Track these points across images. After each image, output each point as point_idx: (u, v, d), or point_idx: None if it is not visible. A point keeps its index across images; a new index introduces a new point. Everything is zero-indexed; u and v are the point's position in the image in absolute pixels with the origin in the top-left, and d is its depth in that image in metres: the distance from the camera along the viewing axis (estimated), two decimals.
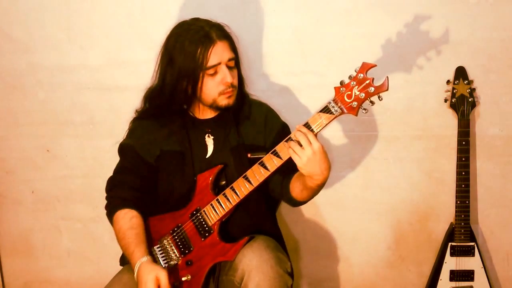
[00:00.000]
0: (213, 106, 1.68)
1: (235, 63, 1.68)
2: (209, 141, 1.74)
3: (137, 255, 1.58)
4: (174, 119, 1.71)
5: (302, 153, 1.44)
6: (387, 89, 1.44)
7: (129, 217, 1.66)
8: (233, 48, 1.67)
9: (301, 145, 1.45)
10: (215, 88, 1.64)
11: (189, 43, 1.59)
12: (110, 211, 1.71)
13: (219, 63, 1.61)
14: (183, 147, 1.71)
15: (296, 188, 1.63)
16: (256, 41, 2.05)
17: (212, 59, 1.59)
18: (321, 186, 1.56)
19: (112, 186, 1.76)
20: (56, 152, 2.26)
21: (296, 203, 1.68)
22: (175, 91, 1.65)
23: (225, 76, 1.62)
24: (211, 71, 1.61)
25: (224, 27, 1.67)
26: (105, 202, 1.76)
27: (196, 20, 1.67)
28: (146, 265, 1.54)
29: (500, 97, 2.01)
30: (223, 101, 1.66)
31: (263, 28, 2.04)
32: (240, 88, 1.74)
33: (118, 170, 1.77)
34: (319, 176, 1.48)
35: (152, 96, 1.73)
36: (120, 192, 1.72)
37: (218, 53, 1.60)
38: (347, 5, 2.00)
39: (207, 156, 1.73)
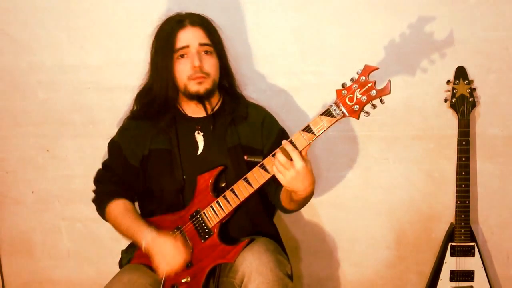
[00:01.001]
0: (186, 93, 1.68)
1: (215, 53, 1.69)
2: (199, 138, 1.74)
3: (144, 228, 1.64)
4: (164, 117, 1.73)
5: (285, 172, 1.45)
6: (389, 93, 1.43)
7: (121, 204, 1.74)
8: (210, 36, 1.67)
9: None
10: (184, 72, 1.65)
11: (164, 28, 1.67)
12: (100, 205, 1.79)
13: (187, 46, 1.63)
14: (171, 145, 1.72)
15: (285, 199, 1.66)
16: (256, 41, 2.05)
17: (180, 42, 1.63)
18: (307, 199, 1.59)
19: (98, 181, 1.83)
20: (56, 152, 2.26)
21: (287, 212, 1.73)
22: (158, 79, 1.69)
23: (192, 59, 1.63)
24: (180, 53, 1.64)
25: (204, 17, 1.70)
26: None
27: (179, 12, 1.73)
28: (159, 236, 1.60)
29: (500, 97, 2.01)
30: (193, 87, 1.66)
31: (263, 28, 2.04)
32: (231, 85, 1.78)
33: (104, 166, 1.83)
34: (302, 192, 1.50)
35: (143, 94, 1.77)
36: (106, 187, 1.79)
37: (187, 37, 1.63)
38: (347, 5, 1.99)
39: (198, 154, 1.73)
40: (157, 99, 1.70)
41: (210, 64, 1.67)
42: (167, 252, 1.58)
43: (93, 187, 1.86)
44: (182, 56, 1.64)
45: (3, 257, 2.42)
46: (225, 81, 1.79)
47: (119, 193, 1.77)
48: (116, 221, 1.73)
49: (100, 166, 1.86)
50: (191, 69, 1.64)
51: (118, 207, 1.74)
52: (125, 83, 2.11)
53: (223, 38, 1.73)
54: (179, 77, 1.66)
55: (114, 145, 1.80)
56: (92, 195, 1.85)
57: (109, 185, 1.79)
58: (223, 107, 1.75)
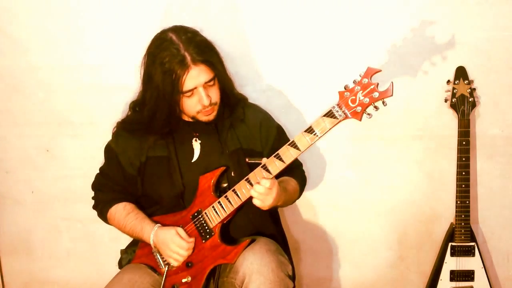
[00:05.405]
0: (194, 119, 1.69)
1: (217, 78, 1.65)
2: (196, 145, 1.74)
3: (147, 227, 1.69)
4: (164, 129, 1.70)
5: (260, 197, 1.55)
6: (392, 95, 1.43)
7: (121, 208, 1.77)
8: (212, 67, 1.61)
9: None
10: (193, 107, 1.64)
11: (166, 67, 1.57)
12: (101, 212, 1.83)
13: (195, 88, 1.60)
14: (169, 152, 1.71)
15: None
16: (257, 41, 2.05)
17: (188, 84, 1.58)
18: (284, 205, 1.72)
19: (97, 189, 1.85)
20: (56, 152, 2.26)
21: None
22: (156, 112, 1.65)
23: (201, 99, 1.61)
24: (187, 94, 1.61)
25: (202, 45, 1.61)
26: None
27: (173, 37, 1.60)
28: (161, 229, 1.66)
29: (500, 97, 2.01)
30: (203, 118, 1.67)
31: (264, 28, 2.04)
32: (231, 92, 1.74)
33: (102, 172, 1.85)
34: (275, 204, 1.59)
35: (137, 111, 1.76)
36: (105, 195, 1.82)
37: (193, 78, 1.58)
38: (347, 5, 1.99)
39: (192, 161, 1.73)
40: (153, 122, 1.68)
41: (216, 93, 1.66)
42: (171, 241, 1.62)
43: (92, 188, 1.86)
44: (190, 95, 1.61)
45: (3, 257, 2.42)
46: (225, 93, 1.73)
47: (119, 198, 1.79)
48: (120, 224, 1.76)
49: (98, 168, 1.86)
50: (201, 106, 1.63)
51: (119, 212, 1.77)
52: (125, 83, 2.11)
53: (219, 50, 1.68)
54: (188, 110, 1.66)
55: (111, 153, 1.79)
56: (92, 201, 1.85)
57: (109, 193, 1.81)
58: (221, 112, 1.73)
